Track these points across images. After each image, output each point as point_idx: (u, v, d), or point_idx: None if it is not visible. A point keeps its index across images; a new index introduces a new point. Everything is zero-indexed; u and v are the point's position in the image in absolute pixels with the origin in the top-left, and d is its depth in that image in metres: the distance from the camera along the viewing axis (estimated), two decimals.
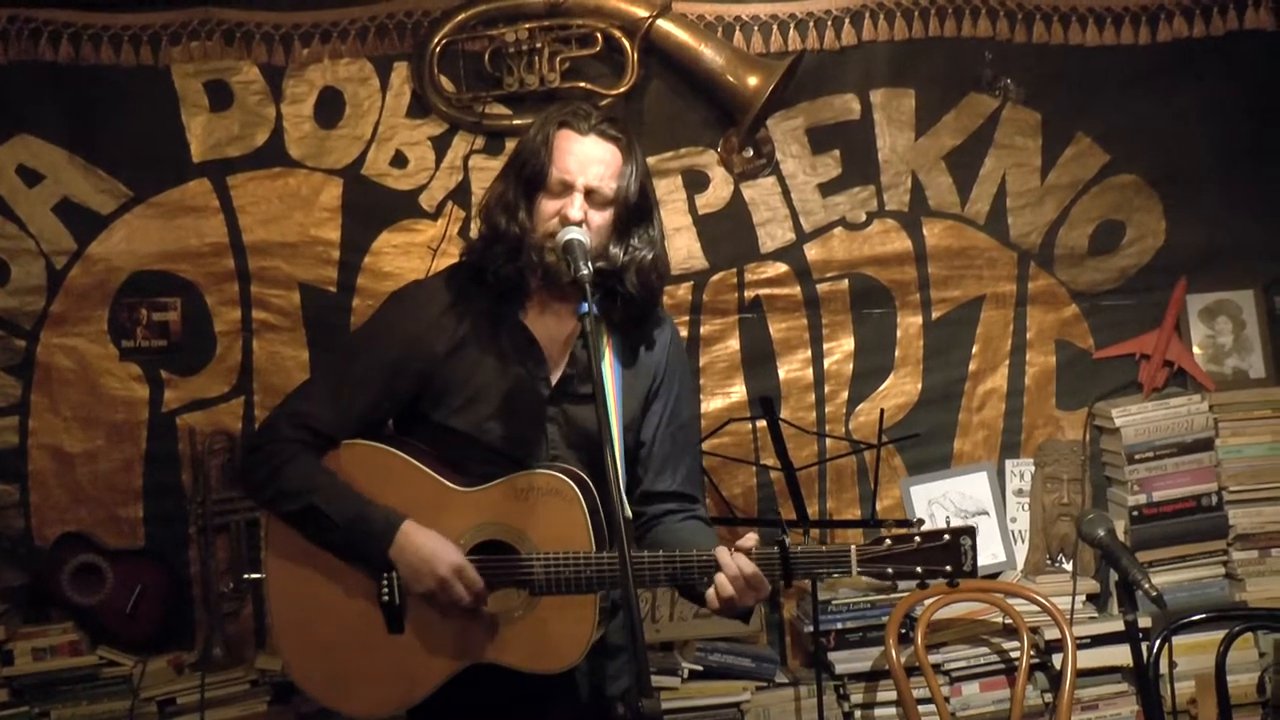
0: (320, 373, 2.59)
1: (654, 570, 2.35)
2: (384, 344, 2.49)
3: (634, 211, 2.47)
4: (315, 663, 2.48)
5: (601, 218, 2.43)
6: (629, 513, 2.39)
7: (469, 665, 2.42)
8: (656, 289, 2.52)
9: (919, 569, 2.35)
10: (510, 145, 3.71)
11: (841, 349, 3.92)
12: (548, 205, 2.42)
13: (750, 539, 2.33)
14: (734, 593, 2.31)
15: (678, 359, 2.61)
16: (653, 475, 2.54)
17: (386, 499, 2.42)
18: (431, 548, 2.37)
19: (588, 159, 2.42)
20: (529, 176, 2.43)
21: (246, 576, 3.55)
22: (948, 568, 2.34)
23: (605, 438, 2.18)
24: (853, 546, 2.34)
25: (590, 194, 2.41)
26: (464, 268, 2.53)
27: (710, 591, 2.33)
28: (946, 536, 2.35)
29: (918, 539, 2.35)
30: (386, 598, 2.41)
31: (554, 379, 2.48)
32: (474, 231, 3.71)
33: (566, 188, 2.41)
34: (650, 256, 2.48)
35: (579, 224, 2.39)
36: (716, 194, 3.86)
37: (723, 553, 2.31)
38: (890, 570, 2.35)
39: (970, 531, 2.36)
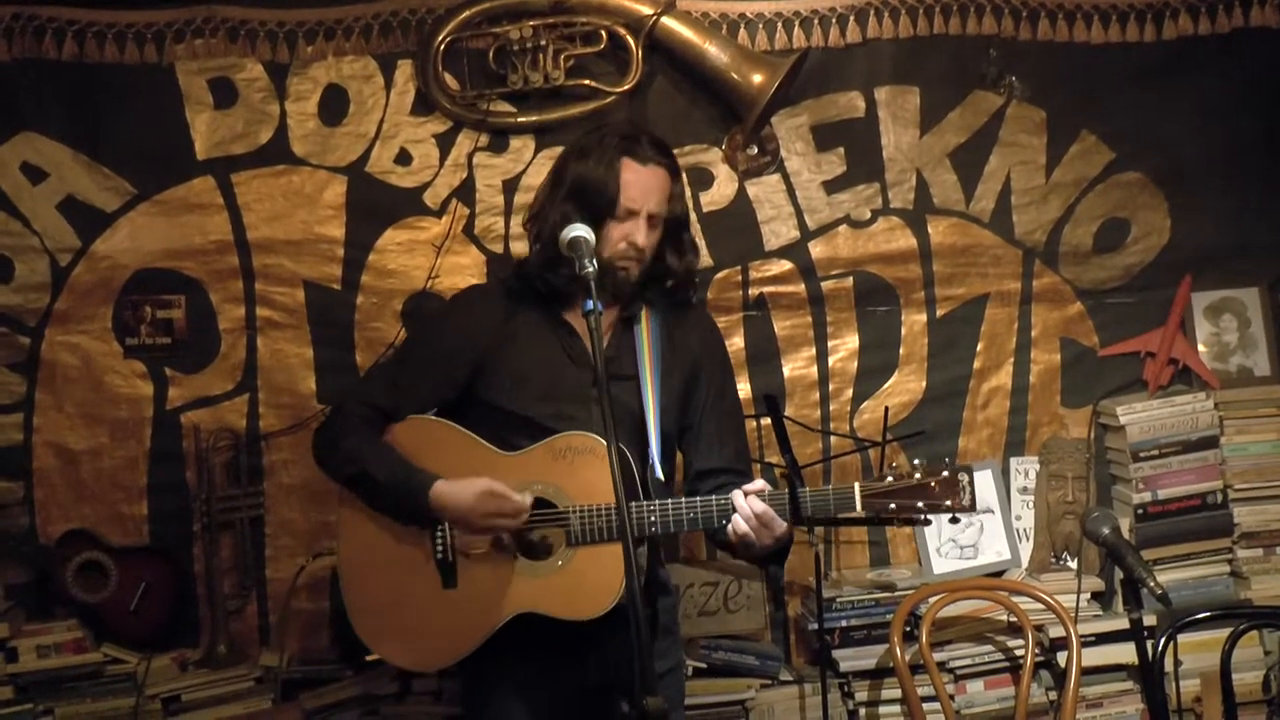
0: (385, 360, 2.97)
1: (677, 515, 2.62)
2: (441, 334, 2.87)
3: (682, 224, 2.86)
4: (380, 621, 2.77)
5: (656, 235, 2.78)
6: (660, 475, 2.73)
7: (515, 615, 2.66)
8: (694, 284, 2.94)
9: (920, 504, 2.56)
10: (515, 143, 3.76)
11: (846, 347, 3.92)
12: (615, 230, 2.74)
13: (759, 483, 2.63)
14: (748, 530, 2.60)
15: (717, 347, 2.97)
16: (703, 454, 2.85)
17: (439, 463, 2.70)
18: (458, 491, 2.64)
19: (650, 188, 2.74)
20: (598, 206, 2.72)
21: (319, 553, 3.64)
22: (948, 503, 2.56)
23: (606, 422, 2.32)
24: (856, 485, 2.60)
25: (650, 218, 2.75)
26: (517, 276, 2.87)
27: (729, 528, 2.63)
28: (945, 473, 2.58)
29: (918, 476, 2.57)
30: (440, 554, 2.71)
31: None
32: (474, 229, 3.73)
33: (632, 214, 2.74)
34: (698, 261, 2.92)
35: (643, 248, 2.75)
36: (721, 191, 3.86)
37: (736, 495, 2.61)
38: (893, 506, 2.57)
39: (968, 469, 2.60)
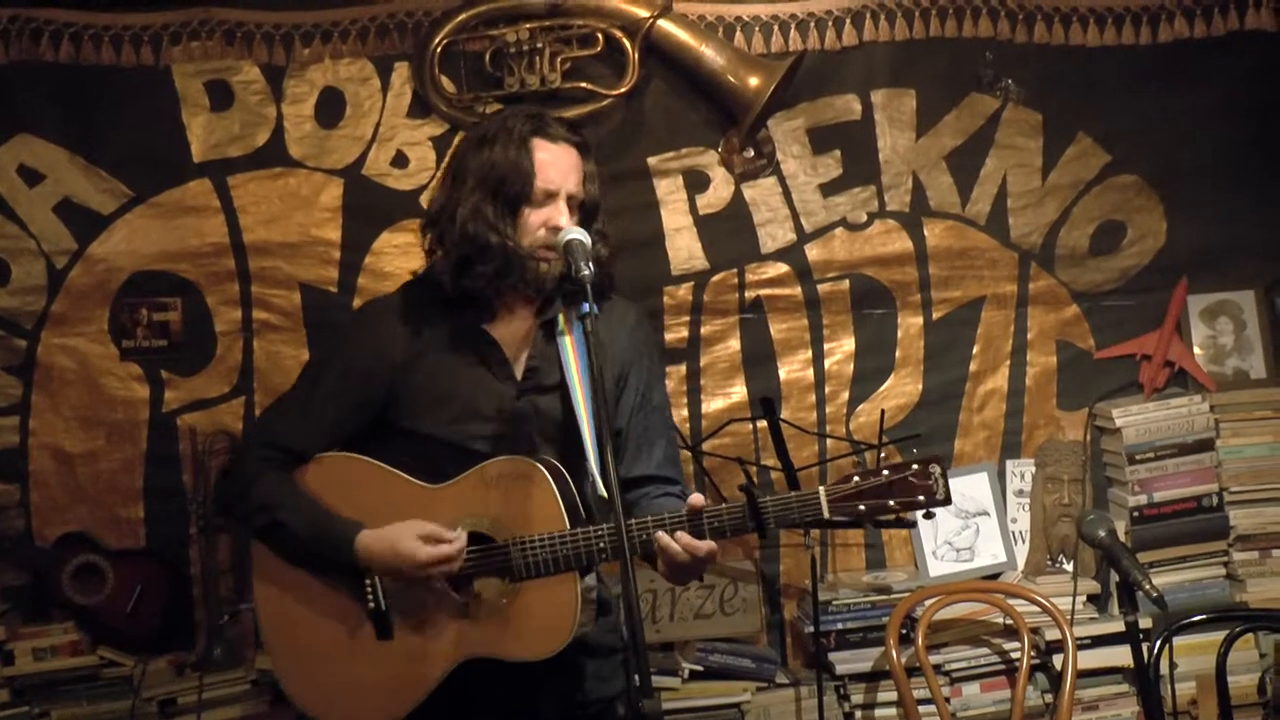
0: (288, 393, 2.63)
1: (599, 540, 2.36)
2: (344, 358, 2.54)
3: (594, 208, 2.54)
4: (311, 681, 2.51)
5: (575, 220, 2.49)
6: (603, 492, 2.37)
7: (461, 662, 2.42)
8: (611, 277, 2.56)
9: (892, 503, 2.33)
10: None
11: (842, 349, 3.92)
12: (533, 216, 2.45)
13: (697, 498, 2.35)
14: (668, 570, 2.37)
15: (645, 344, 2.63)
16: (628, 461, 2.55)
17: (360, 505, 2.44)
18: (389, 539, 2.39)
19: (566, 167, 2.48)
20: (514, 192, 2.45)
21: (241, 607, 3.58)
22: (920, 498, 2.33)
23: (605, 435, 2.22)
24: (821, 489, 2.34)
25: (569, 199, 2.48)
26: (421, 282, 2.58)
27: (659, 562, 2.38)
28: (915, 466, 2.35)
29: (886, 472, 2.34)
30: (373, 605, 2.44)
31: (518, 374, 2.51)
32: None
33: (550, 196, 2.46)
34: (608, 252, 2.54)
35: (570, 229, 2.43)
36: (717, 194, 3.86)
37: (662, 536, 2.33)
38: (863, 508, 2.33)
39: (938, 459, 2.36)
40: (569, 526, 2.38)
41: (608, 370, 2.51)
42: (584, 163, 2.51)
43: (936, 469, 2.34)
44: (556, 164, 2.46)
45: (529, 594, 2.40)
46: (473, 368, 2.49)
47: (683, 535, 2.33)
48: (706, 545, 2.33)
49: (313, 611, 2.49)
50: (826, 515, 2.35)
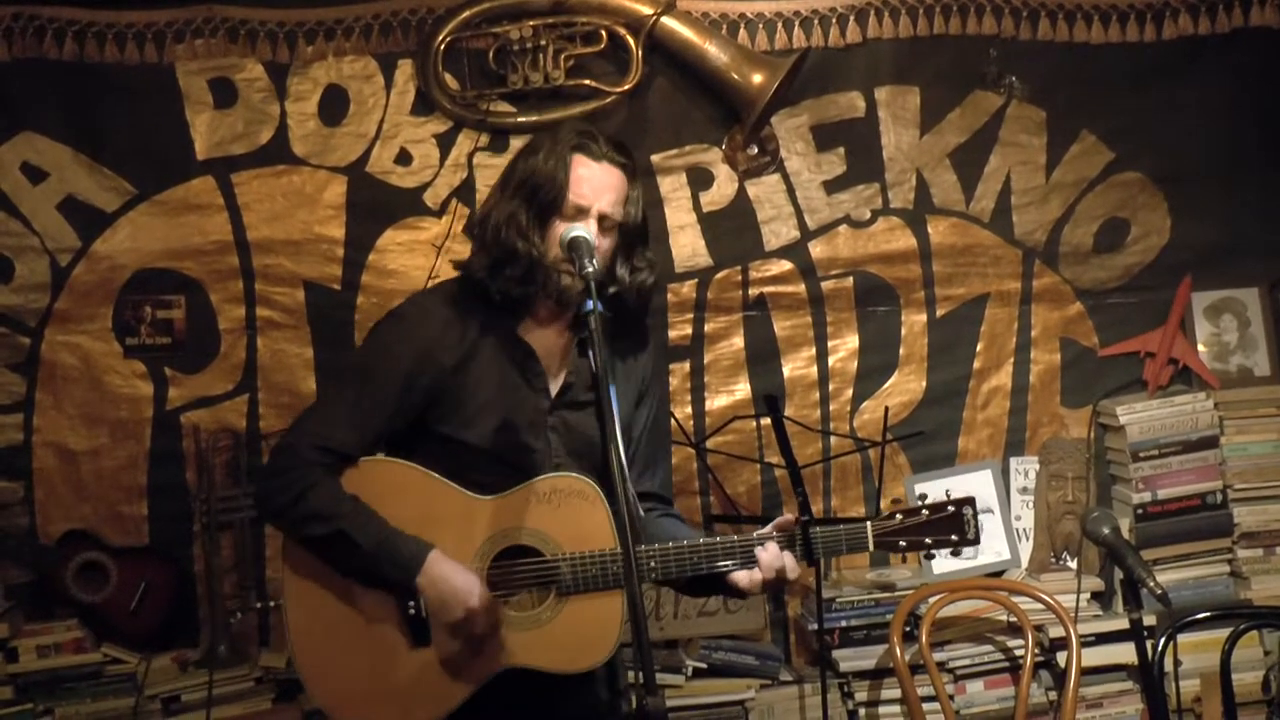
0: (334, 393, 2.60)
1: (680, 560, 2.42)
2: (395, 360, 2.49)
3: (637, 234, 2.54)
4: (341, 685, 2.48)
5: (609, 242, 2.48)
6: (640, 511, 2.41)
7: (499, 672, 2.43)
8: (649, 305, 2.63)
9: (928, 540, 2.52)
10: (515, 143, 3.74)
11: (846, 347, 3.92)
12: (562, 229, 2.45)
13: (788, 519, 2.47)
14: (759, 583, 2.45)
15: (659, 367, 2.74)
16: (635, 476, 2.54)
17: (409, 512, 2.44)
18: (457, 583, 2.39)
19: (602, 186, 2.47)
20: (545, 201, 2.46)
21: (259, 605, 3.59)
22: (953, 537, 2.52)
23: (610, 435, 2.20)
24: (868, 523, 2.50)
25: (601, 219, 2.47)
26: (461, 282, 2.56)
27: (744, 575, 2.45)
28: (950, 508, 2.52)
29: (925, 512, 2.52)
30: (414, 611, 2.43)
31: (554, 389, 2.52)
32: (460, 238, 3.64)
33: (581, 213, 2.46)
34: (651, 280, 2.56)
35: (591, 249, 2.43)
36: (721, 191, 3.86)
37: (761, 552, 2.43)
38: (903, 543, 2.51)
39: (971, 501, 2.54)
40: (618, 545, 2.40)
41: (630, 385, 2.58)
42: (627, 186, 2.50)
43: (969, 510, 2.53)
44: (592, 181, 2.46)
45: (575, 607, 2.43)
46: (511, 377, 2.50)
47: (780, 552, 2.44)
48: (789, 563, 2.46)
49: (346, 614, 2.47)
50: (871, 549, 2.54)
